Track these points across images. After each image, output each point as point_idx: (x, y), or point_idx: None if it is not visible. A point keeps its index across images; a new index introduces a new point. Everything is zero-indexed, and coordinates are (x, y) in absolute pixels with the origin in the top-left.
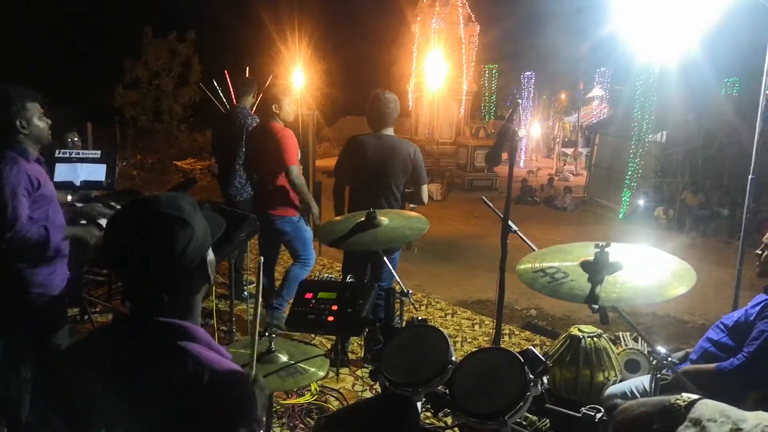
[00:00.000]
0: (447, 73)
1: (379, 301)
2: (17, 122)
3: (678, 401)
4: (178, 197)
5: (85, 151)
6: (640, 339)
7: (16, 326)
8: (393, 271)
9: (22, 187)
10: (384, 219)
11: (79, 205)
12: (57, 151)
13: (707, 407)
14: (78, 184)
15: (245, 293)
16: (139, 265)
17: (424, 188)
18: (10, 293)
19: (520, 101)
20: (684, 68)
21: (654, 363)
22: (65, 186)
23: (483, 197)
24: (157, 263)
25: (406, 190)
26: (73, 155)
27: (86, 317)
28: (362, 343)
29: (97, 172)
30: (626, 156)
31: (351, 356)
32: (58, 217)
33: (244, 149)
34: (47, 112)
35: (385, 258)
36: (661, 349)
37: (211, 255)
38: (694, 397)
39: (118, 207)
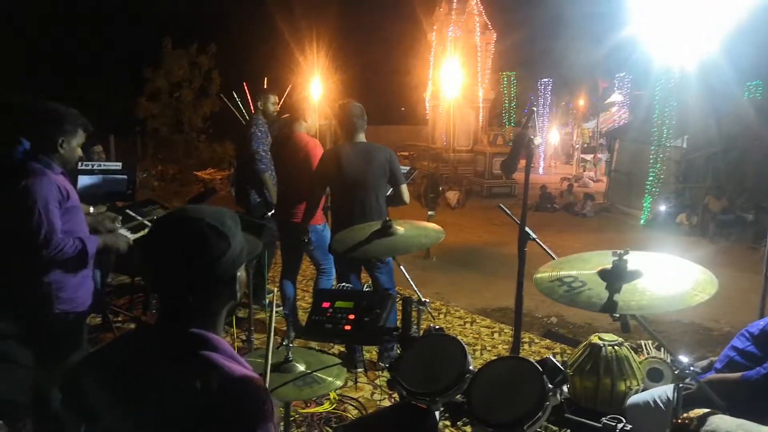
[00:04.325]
0: (463, 80)
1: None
2: (60, 141)
3: (686, 417)
4: (224, 212)
5: (106, 163)
6: (662, 347)
7: (39, 341)
8: (391, 272)
9: (54, 199)
10: (400, 228)
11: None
12: (80, 163)
13: (724, 421)
14: (100, 195)
15: (266, 301)
16: (171, 270)
17: (404, 188)
18: (36, 309)
19: (535, 108)
20: (705, 72)
21: (676, 372)
22: (87, 197)
23: (500, 204)
24: (188, 270)
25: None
26: (95, 167)
27: (108, 326)
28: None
29: (119, 184)
30: (647, 161)
31: (365, 355)
32: (85, 228)
33: (247, 155)
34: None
35: (378, 262)
36: (684, 358)
37: (242, 272)
38: (705, 410)
39: (137, 217)
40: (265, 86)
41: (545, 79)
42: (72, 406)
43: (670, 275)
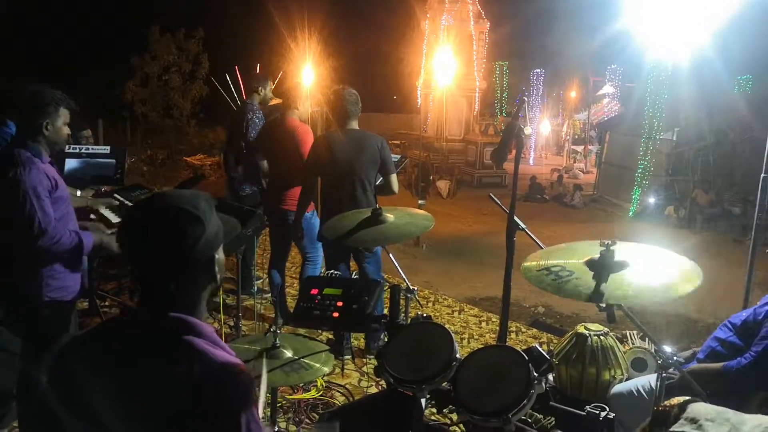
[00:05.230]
0: (456, 70)
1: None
2: (44, 123)
3: (667, 404)
4: (196, 195)
5: (94, 147)
6: (647, 338)
7: (28, 328)
8: (378, 263)
9: (44, 188)
10: (389, 216)
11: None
12: (67, 147)
13: (705, 408)
14: (88, 179)
15: (254, 288)
16: (149, 256)
17: (393, 177)
18: (26, 296)
19: (526, 98)
20: (696, 65)
21: (660, 362)
22: (75, 181)
23: (490, 194)
24: (166, 255)
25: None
26: (83, 151)
27: (96, 310)
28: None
29: (107, 168)
30: (637, 154)
31: (353, 342)
32: (73, 219)
33: (244, 144)
34: (72, 120)
35: (366, 251)
36: (667, 348)
37: (220, 254)
38: (686, 398)
39: (123, 201)
40: (258, 71)
41: (537, 70)
42: (57, 389)
43: (657, 266)
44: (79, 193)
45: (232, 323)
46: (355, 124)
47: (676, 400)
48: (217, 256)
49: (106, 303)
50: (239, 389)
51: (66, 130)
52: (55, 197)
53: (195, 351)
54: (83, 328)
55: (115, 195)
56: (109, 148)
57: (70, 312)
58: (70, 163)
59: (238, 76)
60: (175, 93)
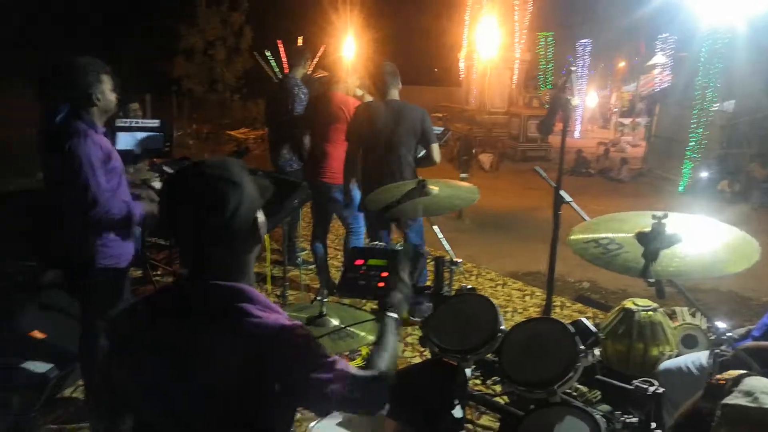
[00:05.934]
0: (500, 41)
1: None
2: (93, 93)
3: (721, 378)
4: (227, 160)
5: (144, 120)
6: (698, 314)
7: (84, 293)
8: (420, 231)
9: (98, 159)
10: (434, 188)
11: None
12: (118, 120)
13: (761, 381)
14: (138, 152)
15: (299, 259)
16: (193, 227)
17: (435, 147)
18: (80, 263)
19: (573, 69)
20: (754, 31)
21: (712, 339)
22: (126, 154)
23: (536, 167)
24: (210, 223)
25: (418, 156)
26: (133, 124)
27: (148, 279)
28: None
29: (156, 141)
30: (688, 126)
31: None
32: (126, 190)
33: (289, 119)
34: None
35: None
36: (721, 325)
37: (261, 216)
38: (741, 372)
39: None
40: (299, 44)
41: (584, 41)
42: (115, 356)
43: (711, 240)
44: (132, 169)
45: (279, 293)
46: (395, 95)
47: (730, 374)
48: (259, 218)
49: (158, 272)
50: (300, 348)
51: (113, 96)
52: (109, 168)
53: (250, 317)
54: (137, 295)
55: (164, 167)
56: (158, 121)
57: (123, 278)
58: (121, 136)
59: (281, 49)
60: (219, 66)
